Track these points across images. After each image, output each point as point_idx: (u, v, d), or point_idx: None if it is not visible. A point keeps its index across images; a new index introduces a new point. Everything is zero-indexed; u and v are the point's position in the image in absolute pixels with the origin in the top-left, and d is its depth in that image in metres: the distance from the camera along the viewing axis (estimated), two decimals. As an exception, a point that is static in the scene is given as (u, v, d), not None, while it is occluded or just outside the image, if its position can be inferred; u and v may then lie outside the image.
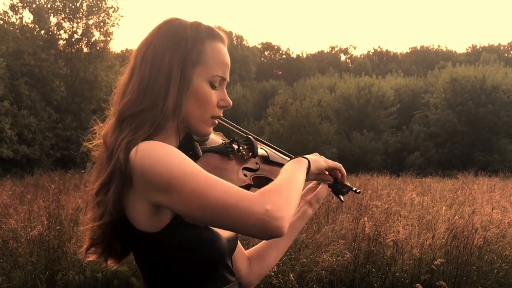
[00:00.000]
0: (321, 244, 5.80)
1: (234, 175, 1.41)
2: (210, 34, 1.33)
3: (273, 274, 5.00)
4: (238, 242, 1.59)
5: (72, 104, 28.16)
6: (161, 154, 1.16)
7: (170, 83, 1.26)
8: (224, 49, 1.35)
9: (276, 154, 1.60)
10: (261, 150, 1.58)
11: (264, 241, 1.66)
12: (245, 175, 1.45)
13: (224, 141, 1.48)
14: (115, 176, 1.21)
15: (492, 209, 7.39)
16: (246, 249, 1.66)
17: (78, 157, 26.46)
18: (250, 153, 1.51)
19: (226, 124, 1.52)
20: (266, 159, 1.57)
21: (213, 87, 1.32)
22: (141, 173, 1.16)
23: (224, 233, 1.33)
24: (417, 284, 4.97)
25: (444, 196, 10.92)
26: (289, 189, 1.22)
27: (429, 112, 37.23)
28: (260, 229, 1.11)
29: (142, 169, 1.16)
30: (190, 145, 1.37)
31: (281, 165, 1.52)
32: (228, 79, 1.36)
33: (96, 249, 1.33)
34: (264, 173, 1.53)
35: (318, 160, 1.45)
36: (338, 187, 1.54)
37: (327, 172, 1.53)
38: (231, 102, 1.36)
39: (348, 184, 1.53)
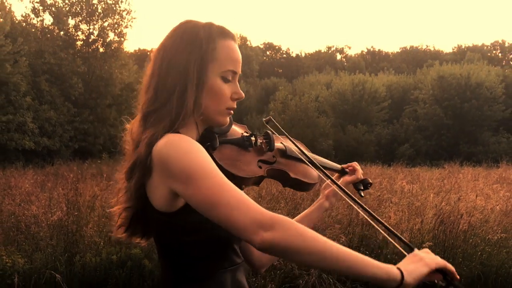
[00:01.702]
0: (318, 229, 5.78)
1: (247, 166, 1.42)
2: (222, 33, 1.34)
3: (274, 256, 4.98)
4: None
5: (89, 99, 28.16)
6: (187, 148, 1.17)
7: (187, 82, 1.27)
8: (234, 46, 1.35)
9: (303, 154, 1.56)
10: (280, 144, 1.57)
11: None
12: (260, 167, 1.45)
13: (243, 134, 1.48)
14: (137, 166, 1.25)
15: (476, 196, 7.38)
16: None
17: (94, 148, 26.60)
18: (268, 147, 1.51)
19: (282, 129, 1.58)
20: (283, 153, 1.56)
21: (226, 81, 1.33)
22: (166, 161, 1.18)
23: None
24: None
25: (431, 184, 10.86)
26: (319, 249, 1.07)
27: (418, 107, 37.10)
28: (249, 236, 1.09)
29: (168, 158, 1.17)
30: (209, 136, 1.38)
31: (299, 160, 1.54)
32: (239, 73, 1.37)
33: (124, 228, 1.39)
34: (280, 166, 1.52)
35: (416, 269, 1.12)
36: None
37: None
38: (243, 94, 1.37)
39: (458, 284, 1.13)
